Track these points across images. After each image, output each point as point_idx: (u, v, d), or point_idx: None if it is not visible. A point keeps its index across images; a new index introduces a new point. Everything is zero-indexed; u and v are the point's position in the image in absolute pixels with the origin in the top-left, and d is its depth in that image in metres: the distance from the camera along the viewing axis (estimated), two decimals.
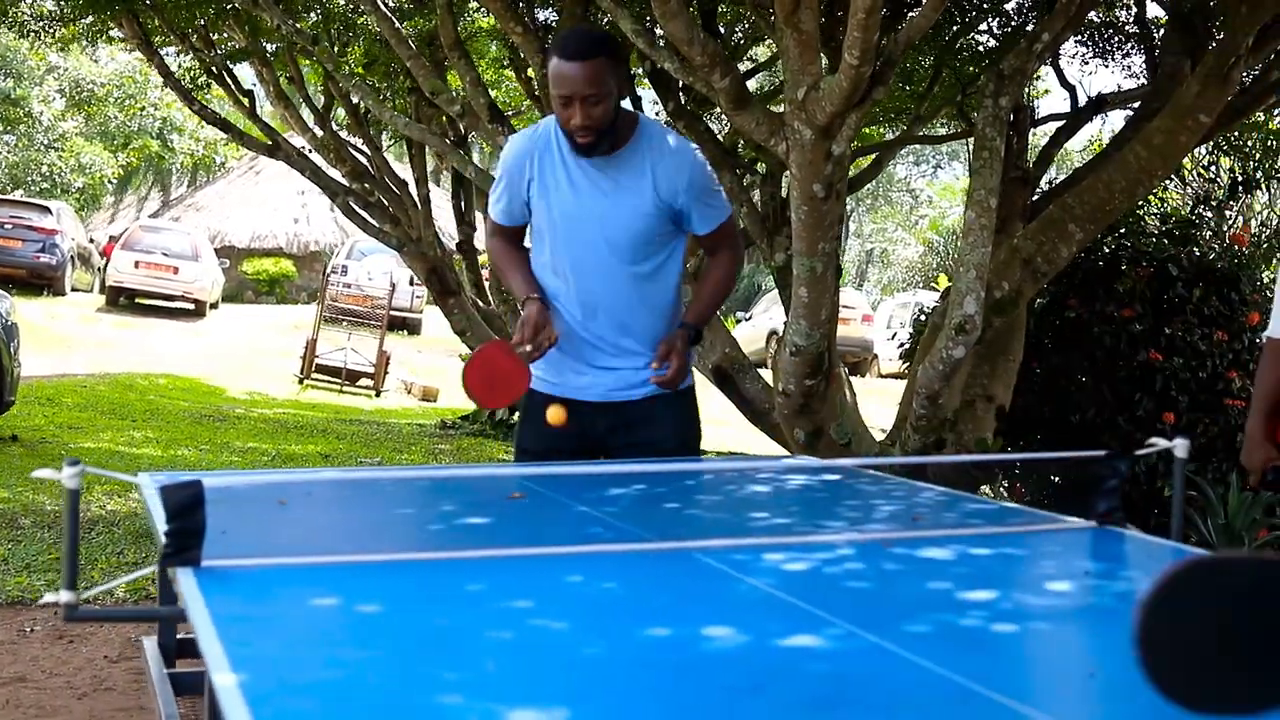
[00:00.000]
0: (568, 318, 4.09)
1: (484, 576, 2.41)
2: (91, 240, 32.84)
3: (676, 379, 4.07)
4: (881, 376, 26.79)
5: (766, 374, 9.30)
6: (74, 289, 28.15)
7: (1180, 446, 2.90)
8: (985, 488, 8.38)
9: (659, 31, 7.49)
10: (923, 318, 9.99)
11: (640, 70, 10.32)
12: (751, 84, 10.38)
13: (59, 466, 7.89)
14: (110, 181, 40.00)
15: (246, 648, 1.88)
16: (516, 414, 13.35)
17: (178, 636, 3.55)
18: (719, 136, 10.24)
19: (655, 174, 4.03)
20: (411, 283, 26.71)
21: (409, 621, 2.14)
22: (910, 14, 8.83)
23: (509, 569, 2.48)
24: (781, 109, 7.00)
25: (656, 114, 13.75)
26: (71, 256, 27.89)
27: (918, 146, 32.17)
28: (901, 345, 10.08)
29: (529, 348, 3.92)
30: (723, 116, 11.28)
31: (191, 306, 27.55)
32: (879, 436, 7.98)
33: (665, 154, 4.07)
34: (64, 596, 2.38)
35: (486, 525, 3.09)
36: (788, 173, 6.88)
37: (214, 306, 29.06)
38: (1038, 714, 1.68)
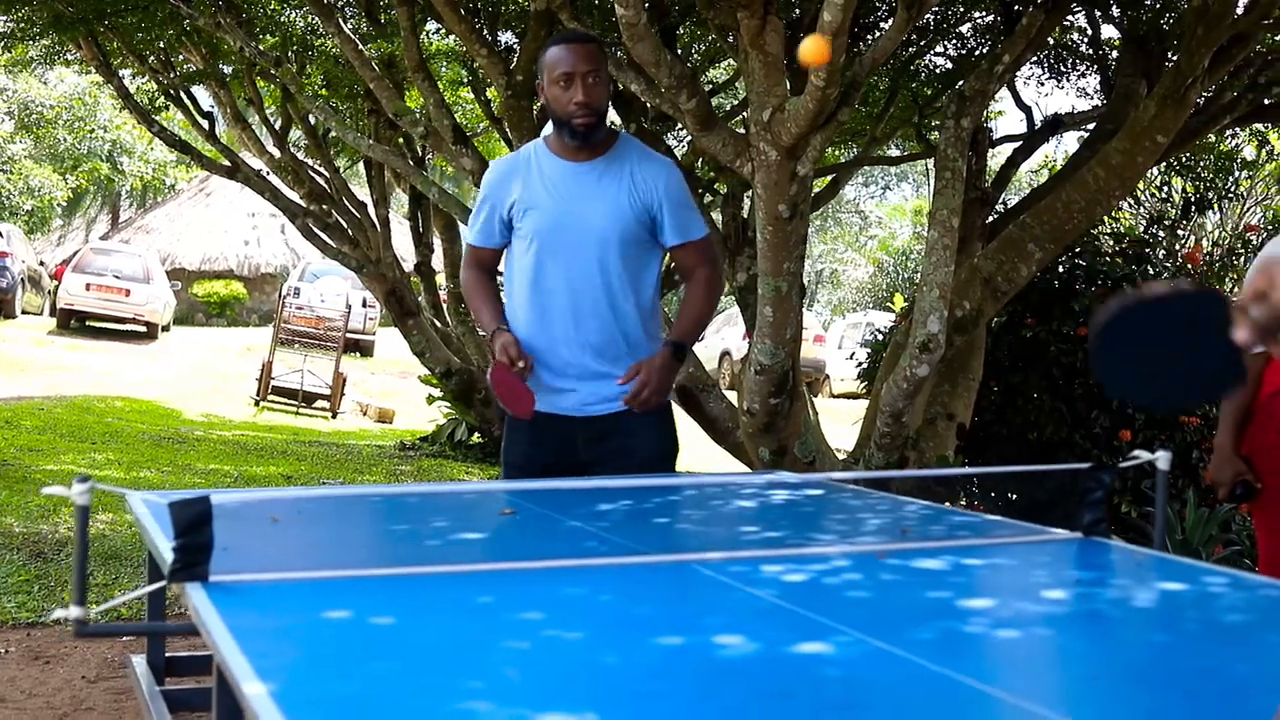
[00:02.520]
0: (555, 331, 4.16)
1: (489, 590, 2.45)
2: (42, 263, 32.64)
3: (649, 398, 4.14)
4: (834, 397, 26.89)
5: (730, 394, 9.35)
6: (24, 312, 27.97)
7: (1162, 459, 2.97)
8: (946, 504, 8.44)
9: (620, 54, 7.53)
10: (879, 337, 10.08)
11: None
12: None
13: (23, 489, 7.86)
14: (60, 204, 39.76)
15: (268, 659, 1.90)
16: (476, 435, 13.42)
17: (166, 654, 3.58)
18: (678, 157, 10.30)
19: (634, 178, 4.20)
20: (364, 304, 26.64)
21: (422, 633, 2.17)
22: (870, 37, 8.94)
23: (512, 582, 2.52)
24: (740, 130, 7.06)
25: None
26: (22, 279, 27.71)
27: (867, 168, 32.36)
28: (860, 365, 10.15)
29: (521, 364, 4.08)
30: (682, 136, 11.35)
31: (143, 329, 27.33)
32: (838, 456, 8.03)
33: (644, 161, 4.26)
34: (73, 612, 2.40)
35: (482, 540, 3.13)
36: (751, 193, 6.95)
37: (165, 329, 28.87)
38: (1052, 714, 1.73)
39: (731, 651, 2.01)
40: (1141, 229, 9.84)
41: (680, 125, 8.49)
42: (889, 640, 2.05)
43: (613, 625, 2.23)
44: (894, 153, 13.43)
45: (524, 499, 3.60)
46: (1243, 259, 10.80)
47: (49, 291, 30.19)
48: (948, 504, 8.45)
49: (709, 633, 2.12)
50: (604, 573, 2.62)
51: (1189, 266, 8.94)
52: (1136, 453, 3.00)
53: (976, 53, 10.13)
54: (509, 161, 4.36)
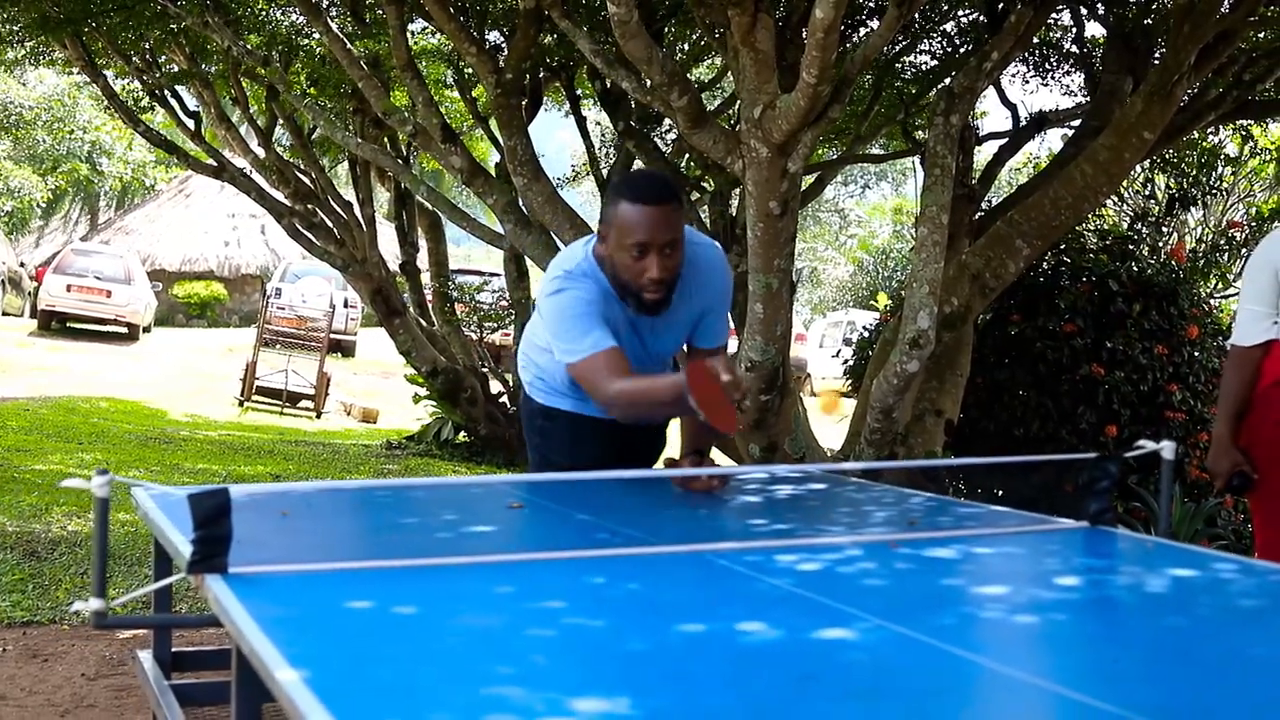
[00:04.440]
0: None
1: (507, 580, 2.46)
2: (22, 264, 32.56)
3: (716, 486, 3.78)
4: (815, 395, 26.91)
5: None
6: (4, 313, 27.88)
7: (1168, 449, 3.01)
8: None
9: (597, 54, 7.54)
10: (865, 335, 10.11)
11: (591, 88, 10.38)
12: None
13: (13, 488, 7.84)
14: (39, 205, 39.65)
15: (296, 648, 1.90)
16: (462, 434, 13.40)
17: (173, 649, 3.59)
18: (665, 155, 10.32)
19: (696, 295, 3.95)
20: (345, 305, 26.59)
21: (447, 621, 2.19)
22: (856, 36, 8.97)
23: (530, 572, 2.54)
24: (727, 127, 7.08)
25: (604, 133, 13.85)
26: (1, 281, 27.64)
27: (846, 167, 32.36)
28: (846, 363, 10.17)
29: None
30: (669, 134, 11.36)
31: (125, 330, 27.24)
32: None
33: (702, 275, 3.96)
34: (93, 604, 2.42)
35: (495, 533, 3.15)
36: (740, 190, 6.97)
37: (146, 330, 28.78)
38: (1079, 695, 1.76)
39: (755, 638, 2.03)
40: (1125, 226, 9.89)
41: (669, 123, 8.51)
42: (909, 626, 2.07)
43: (635, 613, 2.25)
44: (877, 150, 13.46)
45: (530, 493, 3.62)
46: (1226, 255, 10.88)
47: (29, 293, 30.10)
48: None
49: (731, 620, 2.14)
50: (620, 562, 2.64)
51: (1173, 263, 8.99)
52: (1141, 442, 3.03)
53: (960, 51, 10.18)
54: (594, 283, 3.79)
